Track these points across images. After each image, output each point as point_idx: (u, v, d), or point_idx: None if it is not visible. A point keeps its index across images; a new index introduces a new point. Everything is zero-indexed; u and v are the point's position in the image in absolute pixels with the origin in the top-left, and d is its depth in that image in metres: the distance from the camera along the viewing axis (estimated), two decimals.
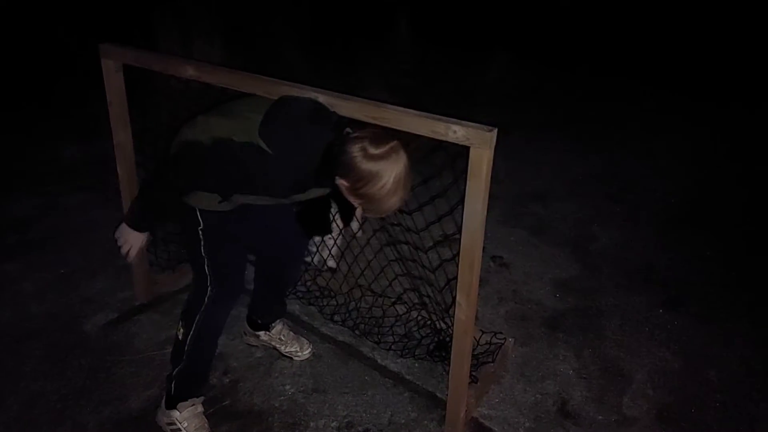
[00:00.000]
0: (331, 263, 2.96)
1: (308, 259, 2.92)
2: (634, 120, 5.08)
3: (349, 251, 2.88)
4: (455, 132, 1.74)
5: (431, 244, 2.58)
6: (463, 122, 1.75)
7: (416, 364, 2.50)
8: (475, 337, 2.42)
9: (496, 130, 1.73)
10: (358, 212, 2.57)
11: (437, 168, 2.18)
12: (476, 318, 2.79)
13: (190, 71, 2.17)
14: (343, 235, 2.96)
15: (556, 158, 4.41)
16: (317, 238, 2.92)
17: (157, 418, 2.14)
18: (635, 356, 2.61)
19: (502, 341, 2.52)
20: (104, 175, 3.57)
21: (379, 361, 2.51)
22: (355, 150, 1.69)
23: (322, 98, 1.90)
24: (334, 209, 2.82)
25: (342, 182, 1.75)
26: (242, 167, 1.79)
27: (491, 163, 1.77)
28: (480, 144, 1.73)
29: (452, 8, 6.46)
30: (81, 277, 2.90)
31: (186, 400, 2.10)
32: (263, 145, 1.75)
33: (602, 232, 3.58)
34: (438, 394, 2.33)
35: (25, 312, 2.67)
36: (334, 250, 2.95)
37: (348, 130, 1.81)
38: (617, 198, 3.95)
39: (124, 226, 1.93)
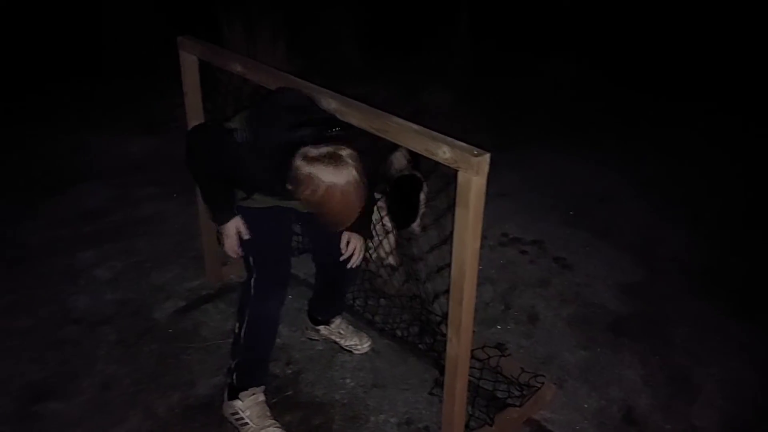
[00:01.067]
0: (391, 260, 2.97)
1: (372, 254, 2.93)
2: (700, 121, 4.90)
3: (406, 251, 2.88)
4: (444, 152, 1.60)
5: (431, 271, 2.43)
6: (455, 142, 1.60)
7: (475, 364, 2.49)
8: (510, 374, 2.34)
9: (487, 155, 1.55)
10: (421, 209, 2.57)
11: (432, 192, 2.10)
12: (538, 319, 2.77)
13: (238, 68, 2.27)
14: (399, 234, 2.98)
15: (619, 160, 4.30)
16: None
17: (223, 410, 2.20)
18: (704, 365, 2.53)
19: (540, 385, 2.30)
20: (172, 170, 3.72)
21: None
22: (302, 150, 1.65)
23: (335, 103, 1.88)
24: (382, 211, 2.84)
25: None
26: (222, 152, 1.83)
27: (483, 191, 1.60)
28: (467, 168, 1.56)
29: (515, 9, 6.36)
30: (151, 266, 3.01)
31: (246, 389, 2.15)
32: (245, 133, 1.78)
33: (668, 236, 3.47)
34: (498, 395, 2.31)
35: (100, 298, 2.79)
36: (392, 248, 2.96)
37: (336, 130, 1.77)
38: (683, 201, 3.82)
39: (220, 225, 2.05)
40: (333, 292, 2.48)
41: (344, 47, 5.71)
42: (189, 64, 2.48)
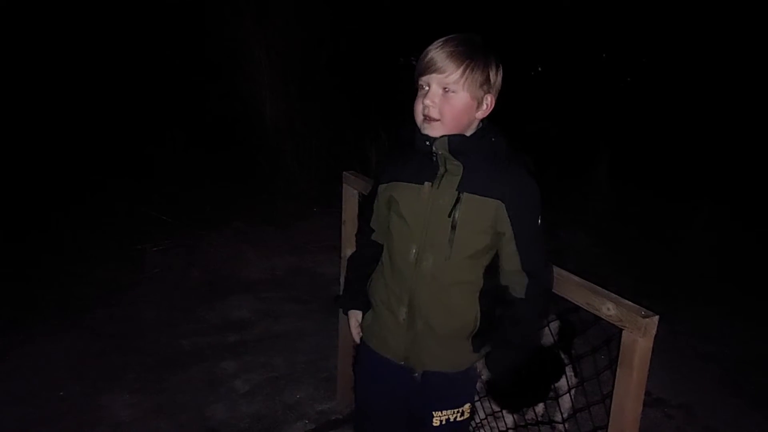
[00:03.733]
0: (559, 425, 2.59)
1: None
2: None
3: None
4: (608, 309, 1.56)
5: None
6: (620, 300, 1.56)
7: None
8: None
9: (656, 317, 1.50)
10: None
11: (592, 347, 2.02)
12: None
13: None
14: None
15: None
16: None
17: None
18: None
19: None
20: (312, 289, 3.90)
21: None
22: None
23: None
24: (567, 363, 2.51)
25: None
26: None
27: (648, 353, 1.53)
28: (633, 329, 1.51)
29: (659, 153, 6.30)
30: (285, 383, 3.09)
31: None
32: None
33: None
34: None
35: (236, 410, 2.88)
36: (566, 405, 2.58)
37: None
38: None
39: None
40: None
41: None
42: (350, 196, 2.67)
